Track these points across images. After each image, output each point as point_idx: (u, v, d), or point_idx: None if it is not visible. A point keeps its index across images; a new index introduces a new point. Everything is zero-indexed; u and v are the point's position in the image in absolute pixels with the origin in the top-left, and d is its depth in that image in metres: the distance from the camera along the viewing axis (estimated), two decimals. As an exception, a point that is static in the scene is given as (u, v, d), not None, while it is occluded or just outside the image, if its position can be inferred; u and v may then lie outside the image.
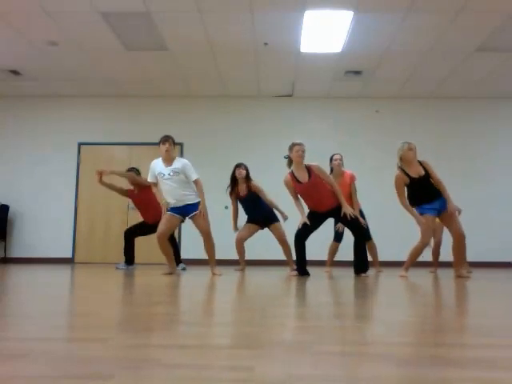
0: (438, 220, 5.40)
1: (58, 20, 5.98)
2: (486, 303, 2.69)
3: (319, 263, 6.42)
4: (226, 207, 8.28)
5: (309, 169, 5.01)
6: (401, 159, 5.01)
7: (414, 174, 4.97)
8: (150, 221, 6.30)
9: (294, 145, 5.02)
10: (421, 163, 5.01)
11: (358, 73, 7.74)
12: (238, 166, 6.14)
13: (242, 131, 8.74)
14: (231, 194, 6.22)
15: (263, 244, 7.27)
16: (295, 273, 5.14)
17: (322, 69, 7.58)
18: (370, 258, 6.19)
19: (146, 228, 6.40)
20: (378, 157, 8.45)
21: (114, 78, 8.08)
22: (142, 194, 6.33)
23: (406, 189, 5.07)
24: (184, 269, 6.33)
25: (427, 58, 7.07)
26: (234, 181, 6.15)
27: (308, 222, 4.99)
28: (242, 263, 6.32)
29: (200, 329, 1.75)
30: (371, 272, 5.71)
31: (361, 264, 5.11)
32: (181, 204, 5.15)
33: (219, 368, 1.19)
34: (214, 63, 7.38)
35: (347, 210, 4.98)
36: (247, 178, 6.07)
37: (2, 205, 8.57)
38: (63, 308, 2.37)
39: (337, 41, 6.56)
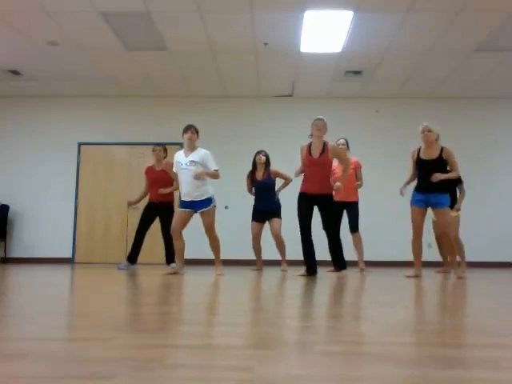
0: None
1: (58, 20, 5.98)
2: (487, 303, 2.69)
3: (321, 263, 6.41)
4: (226, 207, 8.28)
5: (324, 145, 5.15)
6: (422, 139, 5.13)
7: (424, 156, 5.01)
8: (151, 198, 6.37)
9: (314, 121, 5.24)
10: (442, 149, 4.98)
11: (357, 73, 7.74)
12: (259, 152, 6.32)
13: (241, 131, 8.74)
14: (248, 177, 6.38)
15: (266, 244, 7.26)
16: (302, 272, 5.10)
17: (322, 69, 7.58)
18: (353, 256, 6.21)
19: (147, 213, 6.36)
20: (379, 157, 8.46)
21: (114, 78, 8.08)
22: (163, 171, 6.38)
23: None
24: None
25: (427, 58, 7.07)
26: (254, 166, 6.33)
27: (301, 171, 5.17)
28: (259, 263, 6.39)
29: (201, 329, 1.75)
30: (357, 272, 5.74)
31: (339, 259, 5.14)
32: (189, 198, 5.12)
33: (220, 368, 1.18)
34: (214, 63, 7.38)
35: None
36: (266, 164, 6.24)
37: (2, 205, 8.57)
38: (63, 308, 2.37)
39: (337, 41, 6.56)
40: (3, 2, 5.56)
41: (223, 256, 6.79)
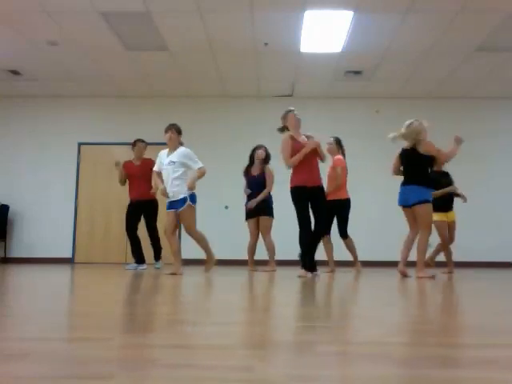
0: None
1: (58, 20, 5.98)
2: (487, 303, 2.69)
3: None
4: (226, 207, 8.27)
5: (307, 137, 4.95)
6: None
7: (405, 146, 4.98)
8: (133, 195, 6.34)
9: (288, 112, 4.98)
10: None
11: (358, 73, 7.74)
12: (259, 147, 6.17)
13: (241, 131, 8.74)
14: (244, 172, 6.25)
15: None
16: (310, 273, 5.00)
17: (322, 69, 7.58)
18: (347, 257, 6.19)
19: (132, 211, 6.35)
20: (378, 157, 8.45)
21: (113, 78, 8.08)
22: (142, 166, 6.37)
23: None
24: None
25: (427, 57, 7.07)
26: (251, 161, 6.19)
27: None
28: (250, 263, 6.23)
29: (200, 329, 1.75)
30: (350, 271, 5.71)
31: (312, 261, 4.83)
32: (171, 198, 5.12)
33: (220, 368, 1.18)
34: (214, 63, 7.38)
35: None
36: (265, 160, 6.11)
37: (2, 205, 8.57)
38: (63, 308, 2.37)
39: (337, 41, 6.56)
40: (3, 2, 5.56)
41: (223, 256, 6.78)
